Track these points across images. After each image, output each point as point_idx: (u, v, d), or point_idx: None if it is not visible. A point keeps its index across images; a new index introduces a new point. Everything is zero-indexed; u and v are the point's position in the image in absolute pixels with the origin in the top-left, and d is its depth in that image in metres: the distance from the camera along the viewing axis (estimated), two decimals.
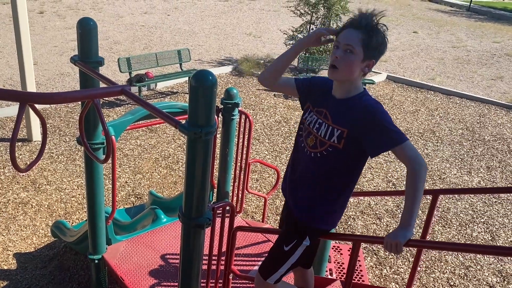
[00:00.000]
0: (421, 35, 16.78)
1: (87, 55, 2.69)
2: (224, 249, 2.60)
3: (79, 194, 5.37)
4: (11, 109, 7.38)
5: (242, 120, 3.77)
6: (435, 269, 4.61)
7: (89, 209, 3.12)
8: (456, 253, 4.84)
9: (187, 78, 9.14)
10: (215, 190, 4.02)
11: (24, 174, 5.65)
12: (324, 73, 10.19)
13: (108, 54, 11.30)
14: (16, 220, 4.84)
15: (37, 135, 6.52)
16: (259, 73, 10.40)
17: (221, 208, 2.35)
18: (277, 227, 3.41)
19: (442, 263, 4.69)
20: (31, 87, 6.23)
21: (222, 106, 3.67)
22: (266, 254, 3.48)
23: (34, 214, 4.96)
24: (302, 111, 2.19)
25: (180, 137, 7.03)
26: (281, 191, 2.35)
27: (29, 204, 5.10)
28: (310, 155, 1.99)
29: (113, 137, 3.06)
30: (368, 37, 1.85)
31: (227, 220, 2.63)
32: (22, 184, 5.45)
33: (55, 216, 4.96)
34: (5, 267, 4.23)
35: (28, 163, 5.92)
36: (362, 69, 1.91)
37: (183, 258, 2.26)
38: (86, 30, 2.66)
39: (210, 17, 16.97)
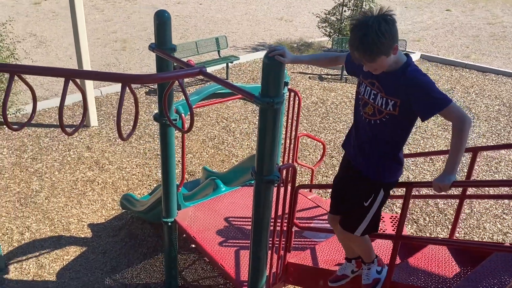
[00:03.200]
0: (454, 12, 16.54)
1: (163, 43, 3.11)
2: (286, 210, 2.99)
3: (138, 172, 5.90)
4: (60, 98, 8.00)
5: (291, 98, 4.13)
6: (474, 235, 4.88)
7: (163, 178, 3.58)
8: (494, 220, 5.09)
9: (224, 65, 9.55)
10: None
11: (87, 155, 6.23)
12: None
13: (148, 44, 11.81)
14: (86, 195, 5.41)
15: (94, 121, 7.10)
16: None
17: (285, 169, 2.74)
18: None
19: (481, 230, 4.95)
20: None
21: None
22: (318, 217, 3.87)
23: (101, 190, 5.52)
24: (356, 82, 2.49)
25: (223, 119, 7.46)
26: (343, 149, 2.63)
27: (95, 182, 5.67)
28: (370, 122, 2.30)
29: (182, 114, 3.49)
30: (376, 46, 1.99)
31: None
32: (87, 165, 6.03)
33: (119, 192, 5.50)
34: (82, 236, 4.79)
35: (89, 145, 6.51)
36: (393, 55, 2.08)
37: (255, 212, 2.66)
38: (162, 21, 3.06)
39: (241, 4, 17.27)
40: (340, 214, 2.59)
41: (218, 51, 9.71)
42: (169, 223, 3.72)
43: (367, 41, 2.01)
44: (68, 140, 6.65)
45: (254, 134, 6.87)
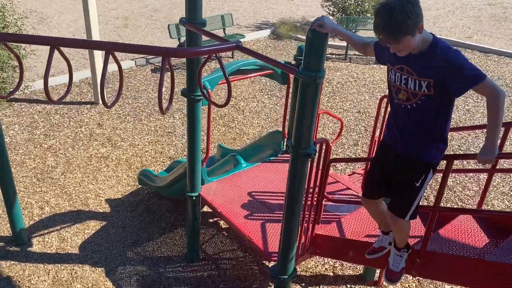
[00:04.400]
0: None
1: (194, 17, 3.11)
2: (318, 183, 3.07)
3: (151, 149, 5.94)
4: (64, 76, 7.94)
5: None
6: None
7: (189, 152, 3.63)
8: (502, 198, 5.23)
9: None
10: (286, 139, 4.49)
11: (99, 132, 6.24)
12: (361, 33, 10.31)
13: (150, 21, 11.68)
14: (101, 172, 5.45)
15: None
16: (298, 35, 10.66)
17: (319, 143, 2.81)
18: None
19: (489, 207, 5.09)
20: (97, 54, 6.75)
21: (295, 62, 4.06)
22: (338, 192, 3.95)
23: (115, 167, 5.56)
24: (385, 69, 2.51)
25: (232, 98, 7.47)
26: (385, 139, 2.68)
27: (109, 158, 5.70)
28: (406, 107, 2.32)
29: (209, 90, 3.52)
30: (401, 26, 2.02)
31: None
32: (100, 141, 6.04)
33: (134, 168, 5.54)
34: (101, 210, 4.85)
35: (100, 122, 6.51)
36: (418, 34, 2.11)
37: (290, 185, 2.73)
38: None
39: None
40: (377, 198, 2.65)
41: (224, 29, 9.64)
42: (194, 197, 3.79)
43: (391, 22, 2.05)
44: (79, 117, 6.64)
45: (264, 113, 6.91)
